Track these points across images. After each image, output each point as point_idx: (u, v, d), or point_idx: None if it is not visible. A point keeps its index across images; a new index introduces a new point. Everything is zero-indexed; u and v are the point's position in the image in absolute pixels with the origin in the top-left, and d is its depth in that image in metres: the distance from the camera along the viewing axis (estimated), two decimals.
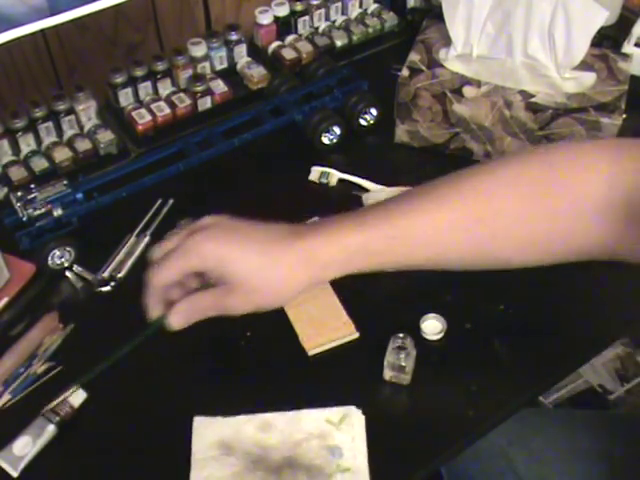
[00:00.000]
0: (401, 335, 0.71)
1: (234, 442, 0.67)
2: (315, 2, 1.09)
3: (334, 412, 0.69)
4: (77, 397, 0.70)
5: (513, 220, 0.60)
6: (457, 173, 0.63)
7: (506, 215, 0.60)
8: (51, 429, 0.67)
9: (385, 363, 0.70)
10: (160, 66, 0.99)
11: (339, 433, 0.67)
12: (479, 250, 0.62)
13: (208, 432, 0.68)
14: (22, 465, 0.65)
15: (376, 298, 0.79)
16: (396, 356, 0.69)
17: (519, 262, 0.63)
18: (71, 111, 0.94)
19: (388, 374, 0.71)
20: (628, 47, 1.02)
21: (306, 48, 1.07)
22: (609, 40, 1.03)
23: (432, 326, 0.75)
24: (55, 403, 0.67)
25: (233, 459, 0.66)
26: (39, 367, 0.73)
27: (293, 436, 0.67)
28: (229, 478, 0.64)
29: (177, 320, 0.63)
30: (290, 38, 1.08)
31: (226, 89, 1.01)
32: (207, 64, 1.03)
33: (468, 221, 0.60)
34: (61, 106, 0.93)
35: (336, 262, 0.60)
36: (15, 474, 0.65)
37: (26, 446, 0.66)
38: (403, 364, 0.69)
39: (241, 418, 0.69)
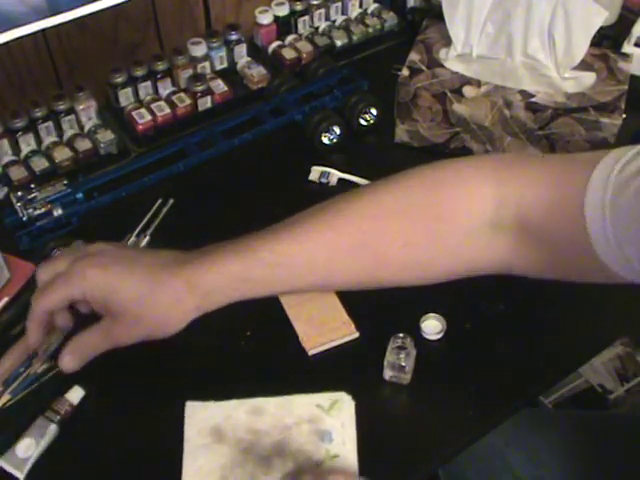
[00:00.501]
0: (401, 335, 0.71)
1: (226, 428, 0.68)
2: (315, 2, 1.09)
3: (324, 397, 0.70)
4: (75, 394, 0.70)
5: (395, 243, 0.61)
6: (344, 197, 0.64)
7: (388, 238, 0.61)
8: (53, 429, 0.67)
9: (385, 363, 0.70)
10: (160, 66, 0.99)
11: (329, 418, 0.68)
12: (364, 274, 0.63)
13: (200, 417, 0.69)
14: (28, 467, 0.65)
15: (376, 298, 0.79)
16: (396, 356, 0.69)
17: (404, 282, 0.64)
18: (71, 111, 0.94)
19: (388, 374, 0.71)
20: (628, 47, 1.02)
21: (306, 48, 1.07)
22: (609, 40, 1.03)
23: (432, 326, 0.75)
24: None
25: (224, 448, 0.66)
26: (39, 367, 0.73)
27: (284, 420, 0.68)
28: (219, 470, 0.65)
29: (68, 363, 0.62)
30: (290, 38, 1.09)
31: (226, 89, 1.01)
32: (207, 64, 1.03)
33: (351, 245, 0.61)
34: (61, 106, 0.93)
35: (219, 289, 0.60)
36: (22, 476, 0.65)
37: (29, 448, 0.66)
38: (403, 364, 0.69)
39: (233, 403, 0.69)
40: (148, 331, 0.61)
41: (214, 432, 0.67)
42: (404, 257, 0.61)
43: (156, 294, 0.60)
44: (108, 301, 0.60)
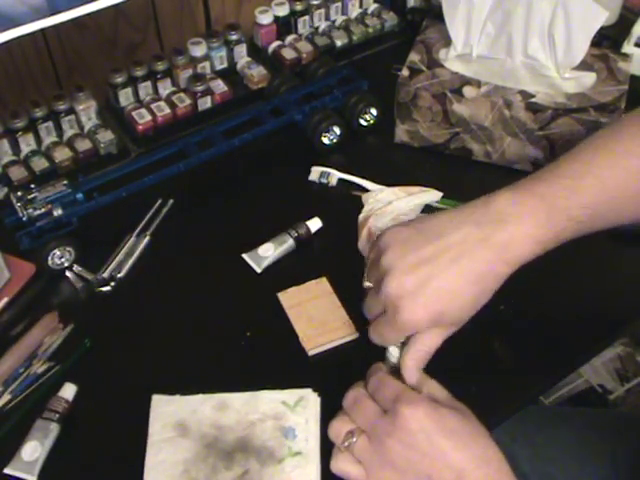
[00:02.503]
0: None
1: (191, 422, 0.68)
2: (315, 2, 1.09)
3: (290, 394, 0.70)
4: (69, 390, 0.70)
5: None
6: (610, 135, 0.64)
7: None
8: (55, 428, 0.68)
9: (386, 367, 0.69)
10: (160, 66, 0.99)
11: (293, 415, 0.69)
12: None
13: (165, 411, 0.69)
14: (38, 469, 0.66)
15: None
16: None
17: None
18: (71, 111, 0.94)
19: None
20: (628, 47, 1.02)
21: (306, 48, 1.07)
22: (609, 40, 1.03)
23: None
24: None
25: (188, 442, 0.67)
26: (39, 367, 0.73)
27: (249, 416, 0.68)
28: (181, 465, 0.65)
29: (413, 376, 0.62)
30: (290, 38, 1.08)
31: (226, 89, 1.01)
32: (207, 64, 1.03)
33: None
34: (61, 106, 0.93)
35: (530, 257, 0.60)
36: (34, 479, 0.66)
37: (35, 450, 0.66)
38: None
39: (199, 397, 0.70)
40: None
41: (179, 426, 0.68)
42: None
43: (482, 287, 0.60)
44: (436, 323, 0.61)
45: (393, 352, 0.65)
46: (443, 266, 0.59)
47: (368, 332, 0.64)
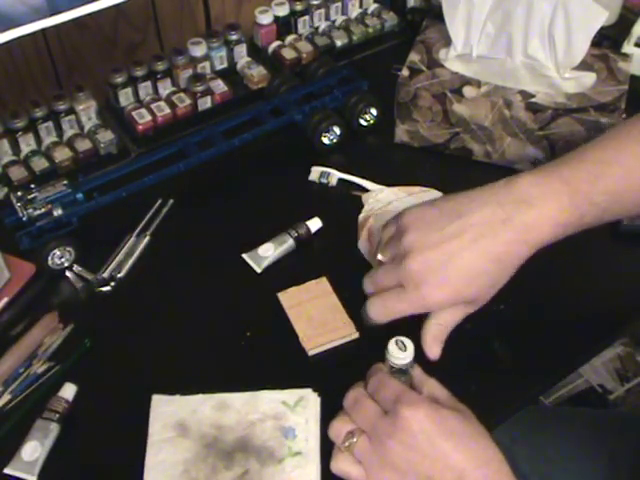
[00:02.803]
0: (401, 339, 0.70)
1: (191, 422, 0.68)
2: (315, 2, 1.09)
3: (291, 394, 0.70)
4: (69, 390, 0.70)
5: None
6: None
7: None
8: (55, 428, 0.68)
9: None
10: (160, 66, 0.99)
11: (293, 415, 0.69)
12: None
13: (165, 411, 0.69)
14: (38, 469, 0.66)
15: None
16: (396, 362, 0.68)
17: None
18: (71, 111, 0.94)
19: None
20: (628, 47, 1.02)
21: (306, 48, 1.07)
22: (609, 40, 1.03)
23: None
24: None
25: (188, 442, 0.67)
26: (39, 367, 0.73)
27: (249, 416, 0.68)
28: (181, 465, 0.65)
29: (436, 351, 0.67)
30: (290, 38, 1.08)
31: (226, 89, 1.01)
32: (207, 64, 1.03)
33: None
34: (61, 106, 0.93)
35: (551, 239, 0.62)
36: (34, 479, 0.66)
37: (35, 450, 0.66)
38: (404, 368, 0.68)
39: (199, 397, 0.70)
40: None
41: (179, 426, 0.68)
42: None
43: (503, 267, 0.62)
44: (457, 301, 0.63)
45: (393, 352, 0.65)
46: (466, 245, 0.60)
47: (367, 305, 0.64)
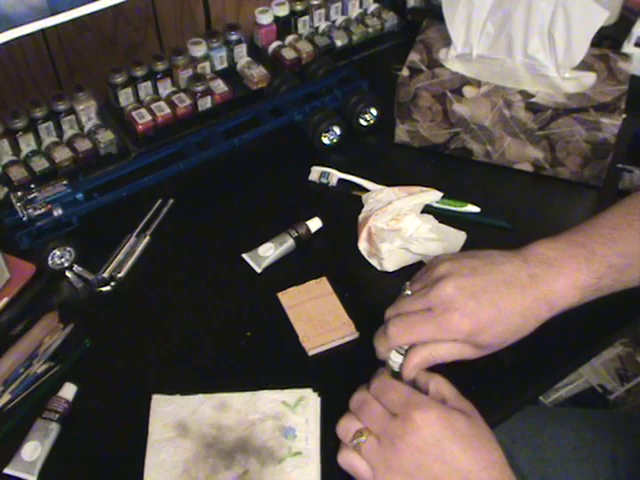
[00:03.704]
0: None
1: (191, 422, 0.68)
2: (315, 2, 1.09)
3: (291, 394, 0.70)
4: (69, 390, 0.70)
5: None
6: None
7: None
8: (55, 428, 0.68)
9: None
10: (160, 66, 0.99)
11: (294, 415, 0.69)
12: None
13: (165, 411, 0.69)
14: (37, 469, 0.66)
15: (376, 298, 0.79)
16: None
17: None
18: (71, 111, 0.94)
19: None
20: (628, 47, 1.02)
21: (306, 48, 1.07)
22: (609, 40, 1.03)
23: None
24: None
25: (188, 442, 0.67)
26: (39, 367, 0.73)
27: (249, 416, 0.68)
28: (182, 464, 0.65)
29: (410, 372, 0.64)
30: (290, 38, 1.08)
31: (226, 89, 1.01)
32: (207, 64, 1.03)
33: None
34: (61, 106, 0.93)
35: (573, 303, 0.63)
36: (34, 479, 0.66)
37: (35, 450, 0.66)
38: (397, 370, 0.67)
39: (199, 397, 0.70)
40: (497, 347, 0.65)
41: (179, 426, 0.68)
42: None
43: (522, 316, 0.62)
44: (472, 339, 0.63)
45: (394, 358, 0.65)
46: (498, 286, 0.62)
47: (388, 325, 0.64)
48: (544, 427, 0.91)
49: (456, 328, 0.61)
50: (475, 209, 0.87)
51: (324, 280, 0.80)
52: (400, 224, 0.82)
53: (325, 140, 0.95)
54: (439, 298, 0.62)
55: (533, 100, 0.87)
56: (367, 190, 0.90)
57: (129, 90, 0.98)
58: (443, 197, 0.87)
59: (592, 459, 0.87)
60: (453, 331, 0.62)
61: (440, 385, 0.60)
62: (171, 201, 0.90)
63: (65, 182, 0.83)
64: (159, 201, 0.89)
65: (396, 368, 0.66)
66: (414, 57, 0.93)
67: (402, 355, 0.65)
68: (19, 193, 0.81)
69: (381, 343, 0.65)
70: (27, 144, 0.93)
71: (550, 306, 0.63)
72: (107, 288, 0.81)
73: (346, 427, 0.59)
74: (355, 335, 0.75)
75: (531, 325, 0.63)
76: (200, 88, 0.99)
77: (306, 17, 1.10)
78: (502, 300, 0.61)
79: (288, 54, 1.06)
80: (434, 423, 0.55)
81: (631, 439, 0.88)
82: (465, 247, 0.82)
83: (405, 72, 0.91)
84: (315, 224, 0.85)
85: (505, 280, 0.62)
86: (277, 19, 1.07)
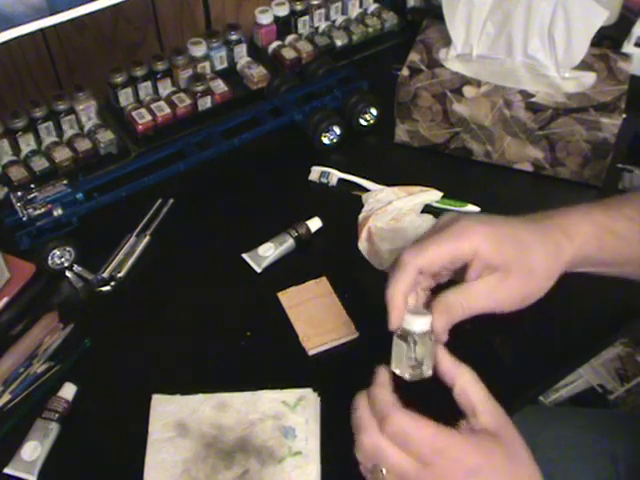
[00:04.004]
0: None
1: (191, 422, 0.68)
2: (315, 2, 1.09)
3: (290, 394, 0.70)
4: (69, 390, 0.70)
5: None
6: None
7: None
8: (55, 428, 0.68)
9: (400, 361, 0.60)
10: (160, 66, 0.99)
11: (293, 414, 0.69)
12: None
13: (165, 411, 0.69)
14: (37, 469, 0.66)
15: (376, 298, 0.79)
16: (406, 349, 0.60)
17: None
18: (71, 111, 0.94)
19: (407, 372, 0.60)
20: (628, 47, 1.02)
21: (306, 48, 1.07)
22: (609, 40, 1.03)
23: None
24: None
25: (188, 442, 0.67)
26: (39, 367, 0.73)
27: (249, 416, 0.68)
28: (181, 464, 0.65)
29: (440, 325, 0.58)
30: (290, 38, 1.08)
31: (226, 89, 1.01)
32: (207, 64, 1.03)
33: None
34: (61, 106, 0.93)
35: (589, 238, 0.59)
36: (34, 479, 0.66)
37: (35, 450, 0.66)
38: (413, 355, 0.59)
39: (199, 397, 0.70)
40: (529, 290, 0.59)
41: (179, 426, 0.68)
42: None
43: (543, 243, 0.58)
44: (495, 256, 0.56)
45: (409, 319, 0.58)
46: (512, 221, 0.60)
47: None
48: (544, 427, 0.91)
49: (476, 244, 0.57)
50: (475, 209, 0.87)
51: (324, 280, 0.80)
52: (400, 224, 0.82)
53: (325, 140, 0.95)
54: None
55: (533, 100, 0.87)
56: (367, 190, 0.90)
57: (129, 90, 0.98)
58: (443, 197, 0.87)
59: (592, 459, 0.87)
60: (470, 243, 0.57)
61: (468, 389, 0.54)
62: (171, 201, 0.90)
63: (65, 182, 0.83)
64: (159, 201, 0.89)
65: (410, 329, 0.58)
66: (414, 57, 0.93)
67: (419, 314, 0.58)
68: (19, 193, 0.81)
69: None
70: (27, 144, 0.93)
71: (567, 235, 0.59)
72: (107, 288, 0.81)
73: (365, 458, 0.53)
74: (355, 335, 0.75)
75: (553, 255, 0.58)
76: (200, 88, 0.99)
77: (306, 17, 1.10)
78: (519, 228, 0.58)
79: (288, 54, 1.06)
80: (469, 469, 0.50)
81: (631, 439, 0.88)
82: None
83: (405, 72, 0.91)
84: (315, 224, 0.85)
85: (518, 219, 0.60)
86: (277, 19, 1.07)
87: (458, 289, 0.58)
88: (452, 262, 0.57)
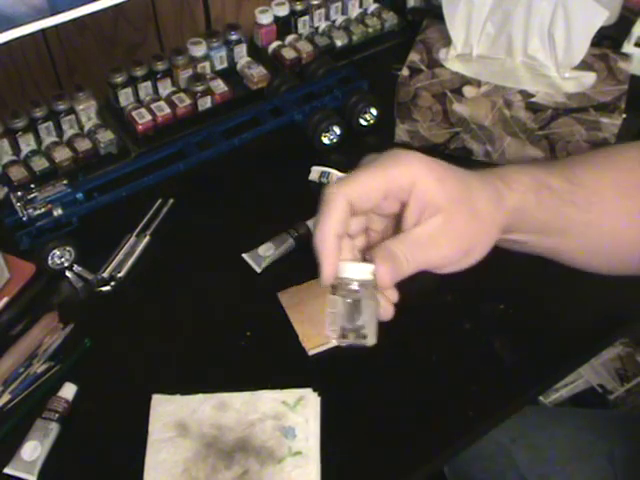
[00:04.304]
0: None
1: (191, 422, 0.68)
2: (315, 2, 1.09)
3: (290, 394, 0.70)
4: (69, 390, 0.70)
5: None
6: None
7: None
8: (55, 428, 0.68)
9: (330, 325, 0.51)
10: (160, 66, 0.99)
11: (293, 414, 0.69)
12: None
13: (166, 410, 0.69)
14: (37, 469, 0.66)
15: None
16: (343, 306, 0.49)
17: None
18: (71, 111, 0.94)
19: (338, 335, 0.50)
20: (628, 47, 1.02)
21: (306, 48, 1.07)
22: (609, 40, 1.03)
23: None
24: None
25: (188, 442, 0.67)
26: (39, 367, 0.73)
27: (248, 416, 0.68)
28: (181, 464, 0.65)
29: (385, 276, 0.48)
30: (290, 38, 1.08)
31: (226, 89, 1.01)
32: (207, 64, 1.03)
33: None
34: (61, 106, 0.93)
35: (527, 190, 0.53)
36: (34, 479, 0.66)
37: (35, 450, 0.66)
38: (352, 314, 0.49)
39: (199, 397, 0.70)
40: (475, 236, 0.50)
41: (179, 426, 0.68)
42: None
43: (483, 186, 0.51)
44: (436, 191, 0.48)
45: (350, 271, 0.49)
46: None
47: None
48: (543, 427, 0.91)
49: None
50: None
51: None
52: None
53: (325, 140, 0.95)
54: None
55: (533, 100, 0.87)
56: None
57: (129, 90, 0.98)
58: None
59: (591, 459, 0.87)
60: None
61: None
62: (171, 201, 0.90)
63: (65, 182, 0.83)
64: (159, 201, 0.89)
65: (350, 278, 0.48)
66: (414, 57, 0.93)
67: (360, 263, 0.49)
68: (19, 193, 0.81)
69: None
70: (27, 144, 0.92)
71: (505, 182, 0.52)
72: (107, 288, 0.81)
73: None
74: None
75: (494, 200, 0.52)
76: (200, 88, 0.99)
77: (306, 17, 1.10)
78: (459, 170, 0.52)
79: (288, 54, 1.06)
80: None
81: (630, 439, 0.88)
82: None
83: (405, 72, 0.91)
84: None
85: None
86: (277, 19, 1.07)
87: (397, 238, 0.49)
88: (386, 197, 0.49)
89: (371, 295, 0.49)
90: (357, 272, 0.48)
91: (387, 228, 0.53)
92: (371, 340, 0.49)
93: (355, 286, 0.48)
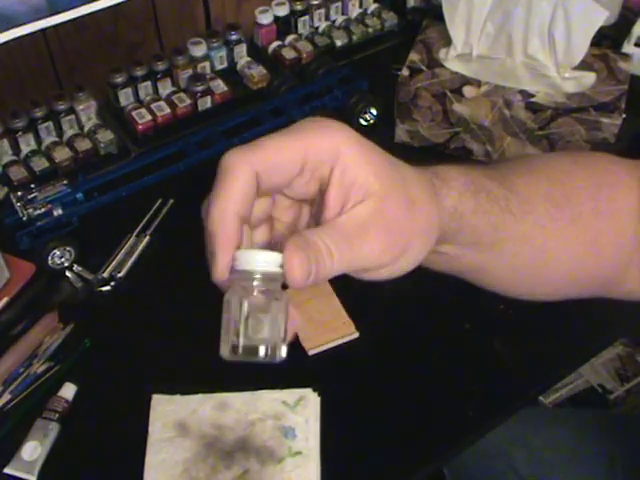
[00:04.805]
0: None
1: (191, 422, 0.68)
2: (315, 2, 1.09)
3: (291, 394, 0.70)
4: (69, 390, 0.70)
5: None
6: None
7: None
8: (55, 428, 0.68)
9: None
10: (160, 66, 0.99)
11: (293, 414, 0.69)
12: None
13: (165, 410, 0.69)
14: (37, 469, 0.66)
15: (376, 298, 0.79)
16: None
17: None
18: (71, 111, 0.94)
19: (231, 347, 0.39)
20: (628, 47, 1.02)
21: (306, 48, 1.07)
22: (609, 40, 1.03)
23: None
24: None
25: (188, 442, 0.67)
26: (39, 367, 0.73)
27: (249, 416, 0.69)
28: (182, 464, 0.65)
29: (296, 272, 0.40)
30: (290, 38, 1.08)
31: (226, 89, 1.01)
32: (207, 64, 1.02)
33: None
34: (61, 106, 0.93)
35: (460, 187, 0.46)
36: (34, 479, 0.66)
37: (35, 450, 0.66)
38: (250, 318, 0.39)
39: (199, 397, 0.70)
40: (411, 228, 0.41)
41: (179, 426, 0.68)
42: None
43: (418, 176, 0.43)
44: (364, 168, 0.39)
45: (251, 261, 0.38)
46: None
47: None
48: (543, 428, 0.91)
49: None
50: None
51: None
52: None
53: None
54: None
55: (533, 100, 0.87)
56: None
57: (129, 90, 0.98)
58: None
59: (590, 460, 0.87)
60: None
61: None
62: (171, 201, 0.90)
63: (65, 182, 0.83)
64: (159, 201, 0.89)
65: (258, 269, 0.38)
66: (414, 57, 0.93)
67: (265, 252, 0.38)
68: (19, 193, 0.81)
69: None
70: (27, 144, 0.92)
71: (441, 179, 0.45)
72: (107, 288, 0.81)
73: None
74: (355, 335, 0.75)
75: (430, 194, 0.44)
76: (200, 88, 0.99)
77: (306, 17, 1.10)
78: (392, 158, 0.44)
79: (288, 54, 1.06)
80: None
81: (629, 440, 0.88)
82: None
83: (405, 72, 0.91)
84: None
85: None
86: (277, 19, 1.07)
87: (319, 227, 0.40)
88: (302, 170, 0.40)
89: (279, 295, 0.39)
90: (260, 263, 0.37)
91: (298, 221, 0.44)
92: (279, 354, 0.38)
93: (258, 282, 0.38)
